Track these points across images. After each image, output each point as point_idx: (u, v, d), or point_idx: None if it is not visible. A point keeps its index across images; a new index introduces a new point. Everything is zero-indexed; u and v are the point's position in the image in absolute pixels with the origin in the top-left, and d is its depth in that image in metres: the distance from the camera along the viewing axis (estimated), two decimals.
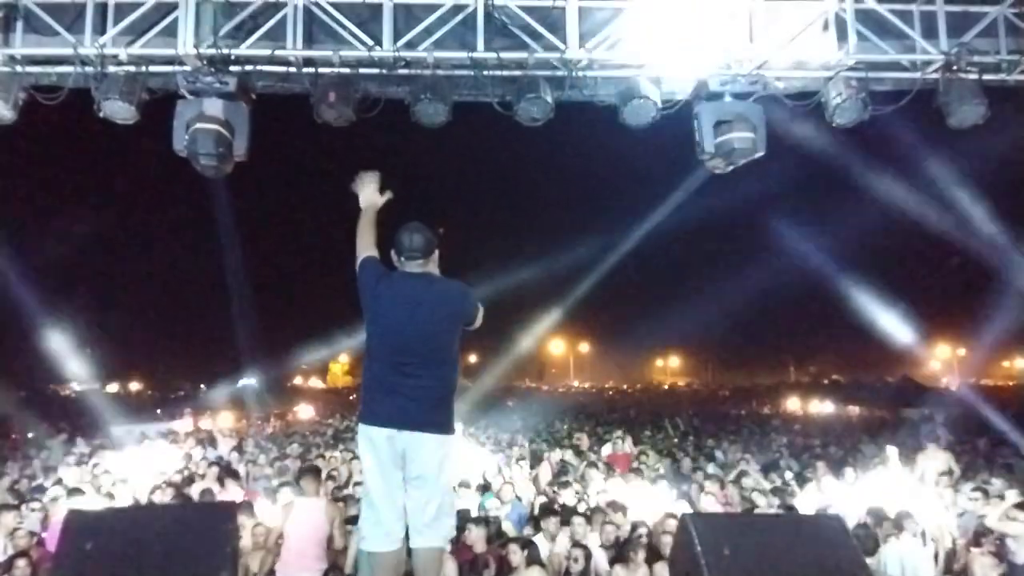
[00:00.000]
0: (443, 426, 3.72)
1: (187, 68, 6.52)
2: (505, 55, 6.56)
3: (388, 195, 4.15)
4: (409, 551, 3.80)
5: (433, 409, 3.69)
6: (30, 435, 17.73)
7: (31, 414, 19.17)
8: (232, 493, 9.09)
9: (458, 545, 6.35)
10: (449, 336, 3.79)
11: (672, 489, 9.41)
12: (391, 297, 3.76)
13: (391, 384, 3.67)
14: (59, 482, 9.55)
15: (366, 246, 3.94)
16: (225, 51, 6.46)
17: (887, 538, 7.06)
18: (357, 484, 8.66)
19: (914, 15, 6.90)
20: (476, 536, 6.63)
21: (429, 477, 3.68)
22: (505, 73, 6.69)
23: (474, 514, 7.58)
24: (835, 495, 8.58)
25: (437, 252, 3.95)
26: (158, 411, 26.31)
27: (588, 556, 6.28)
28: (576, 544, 6.51)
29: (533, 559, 6.24)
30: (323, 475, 8.68)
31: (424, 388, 3.67)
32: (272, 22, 6.60)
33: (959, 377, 44.01)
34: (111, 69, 6.52)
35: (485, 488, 9.10)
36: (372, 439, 3.70)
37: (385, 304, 3.75)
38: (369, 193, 4.10)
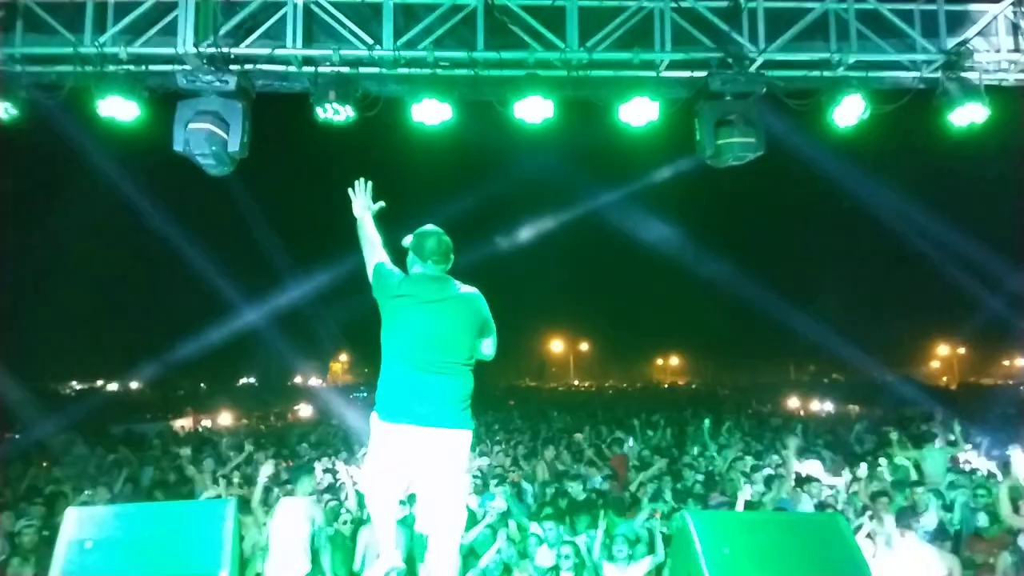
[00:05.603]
0: (463, 423, 3.78)
1: (187, 67, 6.52)
2: (505, 55, 6.56)
3: (381, 204, 4.21)
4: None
5: (454, 407, 3.74)
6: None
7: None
8: (231, 492, 9.07)
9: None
10: (470, 339, 3.85)
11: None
12: (415, 298, 3.81)
13: (413, 383, 3.71)
14: None
15: (375, 251, 4.03)
16: (225, 50, 6.48)
17: None
18: None
19: (914, 14, 6.90)
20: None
21: (447, 472, 3.74)
22: (505, 73, 6.70)
23: (474, 510, 7.59)
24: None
25: (452, 257, 4.01)
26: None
27: (578, 551, 6.34)
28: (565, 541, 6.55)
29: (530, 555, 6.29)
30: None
31: (446, 387, 3.72)
32: (272, 21, 6.62)
33: (959, 376, 43.97)
34: (111, 68, 6.53)
35: (484, 486, 9.10)
36: (390, 435, 3.73)
37: (408, 305, 3.80)
38: (362, 202, 4.17)
